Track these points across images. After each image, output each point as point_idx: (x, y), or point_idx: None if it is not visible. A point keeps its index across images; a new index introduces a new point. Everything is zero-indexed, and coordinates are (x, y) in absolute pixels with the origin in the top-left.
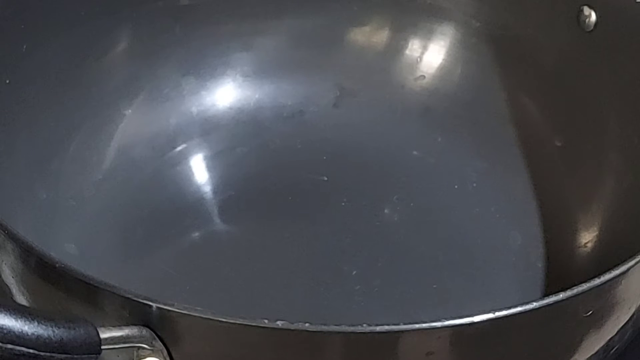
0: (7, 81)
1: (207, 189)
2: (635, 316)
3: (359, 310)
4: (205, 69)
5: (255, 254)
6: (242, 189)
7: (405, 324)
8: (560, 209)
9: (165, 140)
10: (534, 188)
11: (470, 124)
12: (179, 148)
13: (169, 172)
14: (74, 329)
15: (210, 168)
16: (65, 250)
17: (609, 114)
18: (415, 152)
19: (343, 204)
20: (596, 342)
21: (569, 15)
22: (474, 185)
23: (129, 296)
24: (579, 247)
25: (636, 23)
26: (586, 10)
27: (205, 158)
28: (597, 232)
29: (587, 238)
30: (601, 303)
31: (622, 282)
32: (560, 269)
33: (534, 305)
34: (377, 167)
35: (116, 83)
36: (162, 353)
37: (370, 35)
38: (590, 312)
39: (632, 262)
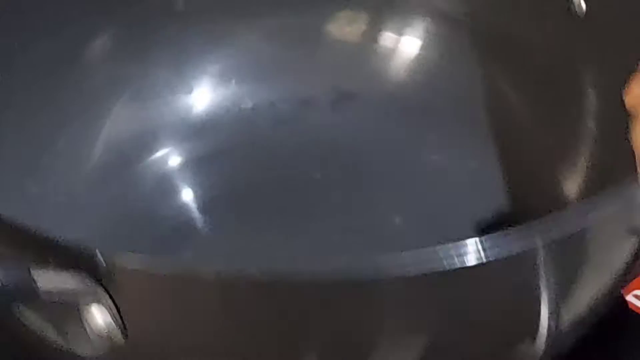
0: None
1: (198, 189)
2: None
3: None
4: (199, 71)
5: (247, 254)
6: (233, 189)
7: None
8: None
9: (158, 139)
10: (526, 187)
11: (466, 123)
12: (171, 147)
13: (159, 171)
14: (6, 269)
15: (202, 169)
16: None
17: (590, 97)
18: (410, 151)
19: (336, 201)
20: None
21: (560, 5)
22: (468, 184)
23: (72, 244)
24: None
25: (626, 12)
26: None
27: (198, 159)
28: None
29: None
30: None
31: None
32: None
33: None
34: (372, 165)
35: (103, 82)
36: (106, 302)
37: (365, 36)
38: None
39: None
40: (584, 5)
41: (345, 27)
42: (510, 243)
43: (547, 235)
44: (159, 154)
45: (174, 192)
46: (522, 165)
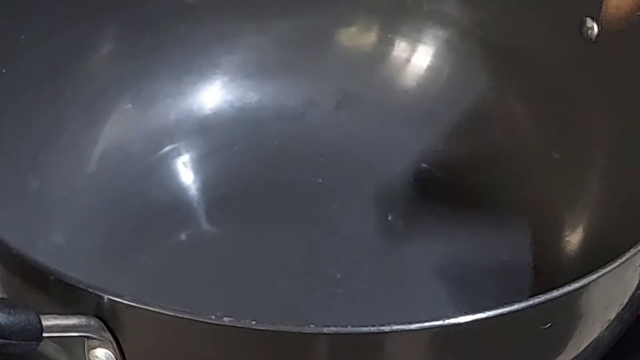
0: (4, 70)
1: (198, 186)
2: (603, 332)
3: (338, 313)
4: (207, 67)
5: (241, 253)
6: (234, 187)
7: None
8: (551, 223)
9: (163, 136)
10: (529, 200)
11: (471, 134)
12: (175, 144)
13: (162, 169)
14: (15, 314)
15: (204, 166)
16: (52, 240)
17: (599, 123)
18: (415, 160)
19: (335, 206)
20: (559, 356)
21: (572, 27)
22: (472, 197)
23: (79, 285)
24: (568, 260)
25: (638, 36)
26: (589, 22)
27: (201, 156)
28: (585, 246)
29: (576, 250)
30: (561, 316)
31: (583, 295)
32: (547, 283)
33: (486, 314)
34: (374, 172)
35: (107, 78)
36: (112, 344)
37: (376, 41)
38: (549, 324)
39: (594, 277)
40: (596, 28)
41: (356, 33)
42: None
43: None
44: (163, 150)
45: (176, 192)
46: (529, 182)
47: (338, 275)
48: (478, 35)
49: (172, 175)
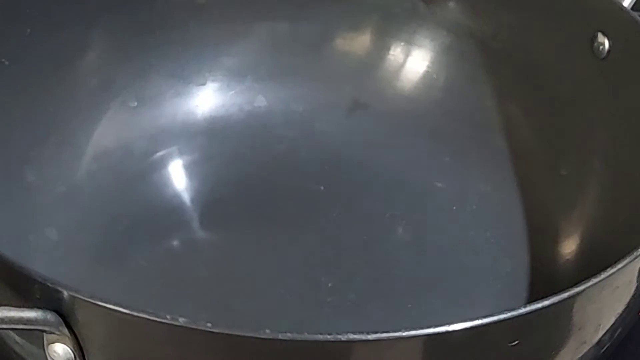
0: (7, 62)
1: (197, 189)
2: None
3: (326, 322)
4: (217, 69)
5: (234, 257)
6: (234, 191)
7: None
8: (551, 239)
9: (167, 136)
10: (530, 215)
11: (480, 146)
12: (179, 146)
13: (163, 170)
14: None
15: (206, 168)
16: (45, 234)
17: (599, 133)
18: (420, 171)
19: (335, 215)
20: None
21: (583, 41)
22: (474, 207)
23: (38, 279)
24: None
25: None
26: (600, 37)
27: (205, 158)
28: (581, 253)
29: (572, 257)
30: (528, 333)
31: (551, 314)
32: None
33: (450, 328)
34: (378, 182)
35: (119, 75)
36: (70, 340)
37: (388, 51)
38: (516, 342)
39: (565, 295)
40: (607, 45)
41: (369, 40)
42: None
43: None
44: (166, 151)
45: (175, 194)
46: (532, 193)
47: (330, 284)
48: (488, 43)
49: (172, 177)
